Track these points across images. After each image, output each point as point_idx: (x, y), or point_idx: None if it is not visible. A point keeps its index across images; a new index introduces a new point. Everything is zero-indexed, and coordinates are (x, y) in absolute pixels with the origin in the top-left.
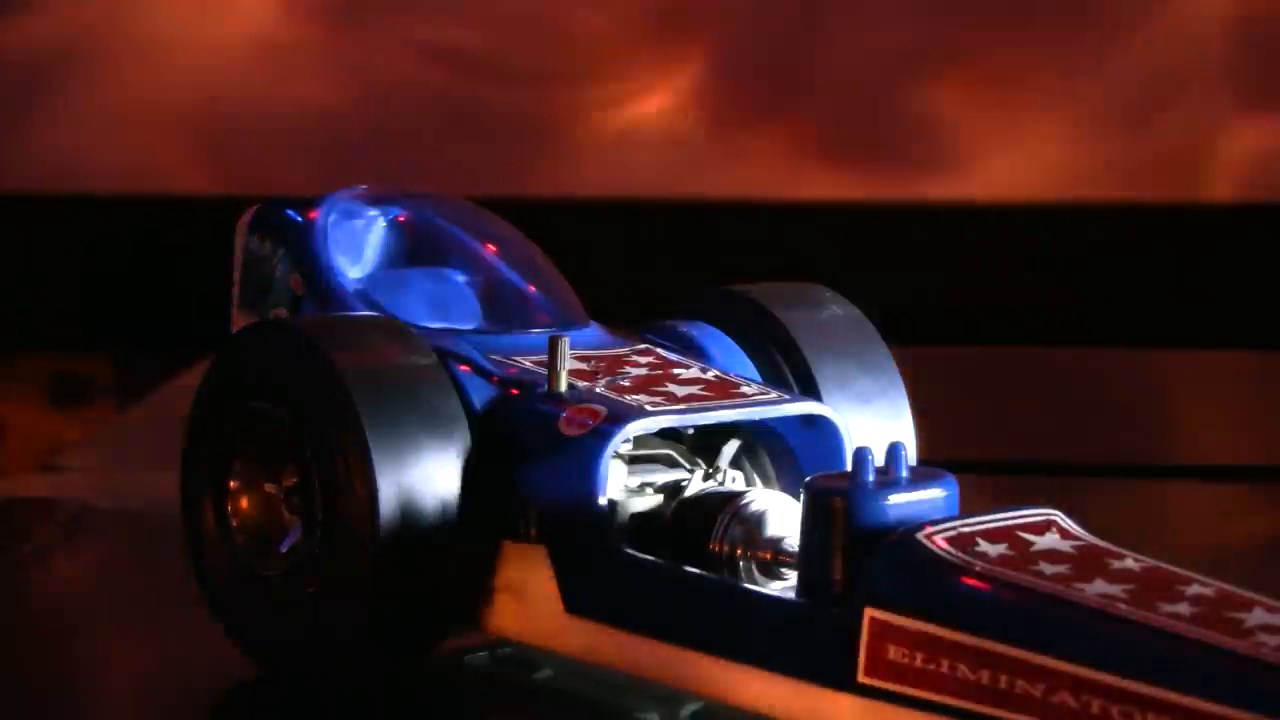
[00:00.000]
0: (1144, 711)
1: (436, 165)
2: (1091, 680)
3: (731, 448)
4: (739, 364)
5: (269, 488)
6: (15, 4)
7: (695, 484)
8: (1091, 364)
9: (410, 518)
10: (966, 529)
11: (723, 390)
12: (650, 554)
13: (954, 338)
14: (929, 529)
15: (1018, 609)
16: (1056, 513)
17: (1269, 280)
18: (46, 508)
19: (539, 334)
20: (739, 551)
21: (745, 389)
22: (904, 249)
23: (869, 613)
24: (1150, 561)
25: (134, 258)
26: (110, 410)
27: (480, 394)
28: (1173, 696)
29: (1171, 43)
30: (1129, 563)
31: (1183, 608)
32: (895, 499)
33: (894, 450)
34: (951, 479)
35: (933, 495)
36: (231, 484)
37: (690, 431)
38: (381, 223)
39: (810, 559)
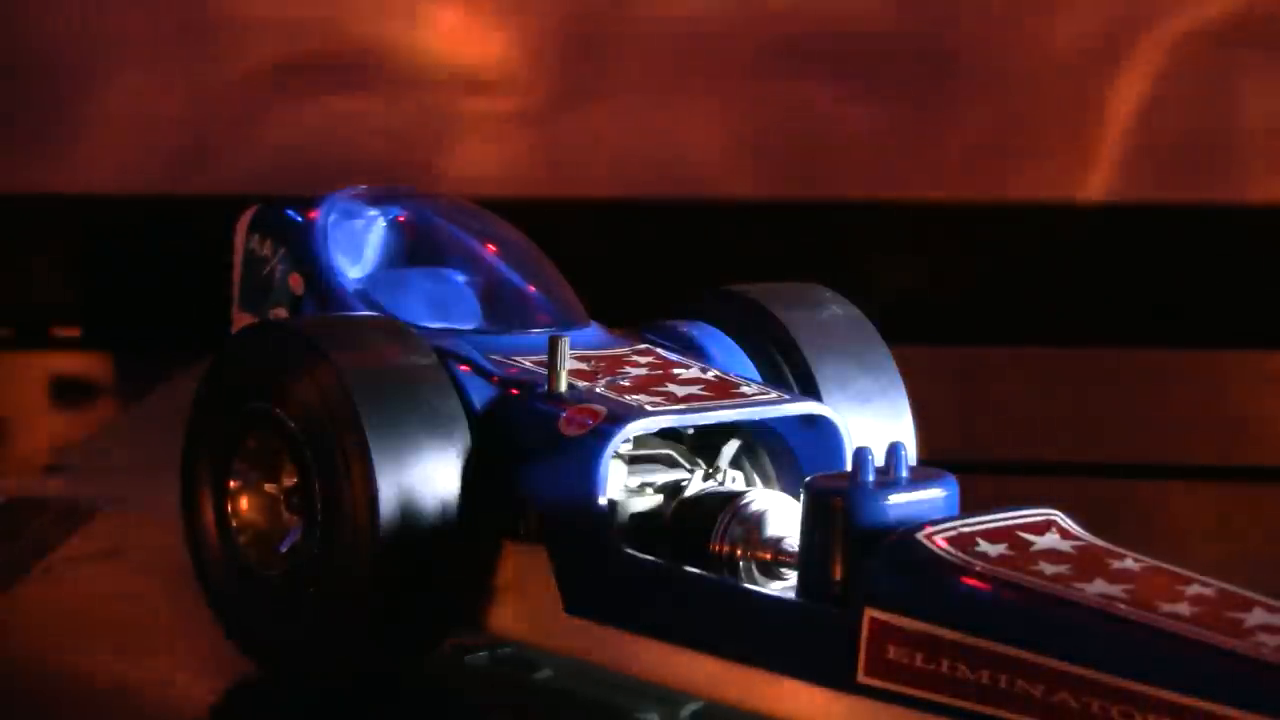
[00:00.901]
0: (1144, 711)
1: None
2: (1091, 680)
3: (731, 448)
4: (739, 364)
5: (269, 488)
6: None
7: (695, 484)
8: (1091, 364)
9: (410, 518)
10: (966, 529)
11: (723, 390)
12: (650, 554)
13: (954, 338)
14: (929, 529)
15: (1018, 609)
16: (1056, 513)
17: (1269, 280)
18: (46, 508)
19: (539, 334)
20: (739, 551)
21: (745, 389)
22: (904, 249)
23: (869, 613)
24: (1150, 561)
25: (134, 258)
26: (110, 410)
27: (480, 394)
28: (1173, 696)
29: None
30: (1129, 563)
31: (1183, 608)
32: (895, 499)
33: (894, 450)
34: (951, 479)
35: (933, 495)
36: (231, 484)
37: (690, 431)
38: (381, 223)
39: (810, 559)
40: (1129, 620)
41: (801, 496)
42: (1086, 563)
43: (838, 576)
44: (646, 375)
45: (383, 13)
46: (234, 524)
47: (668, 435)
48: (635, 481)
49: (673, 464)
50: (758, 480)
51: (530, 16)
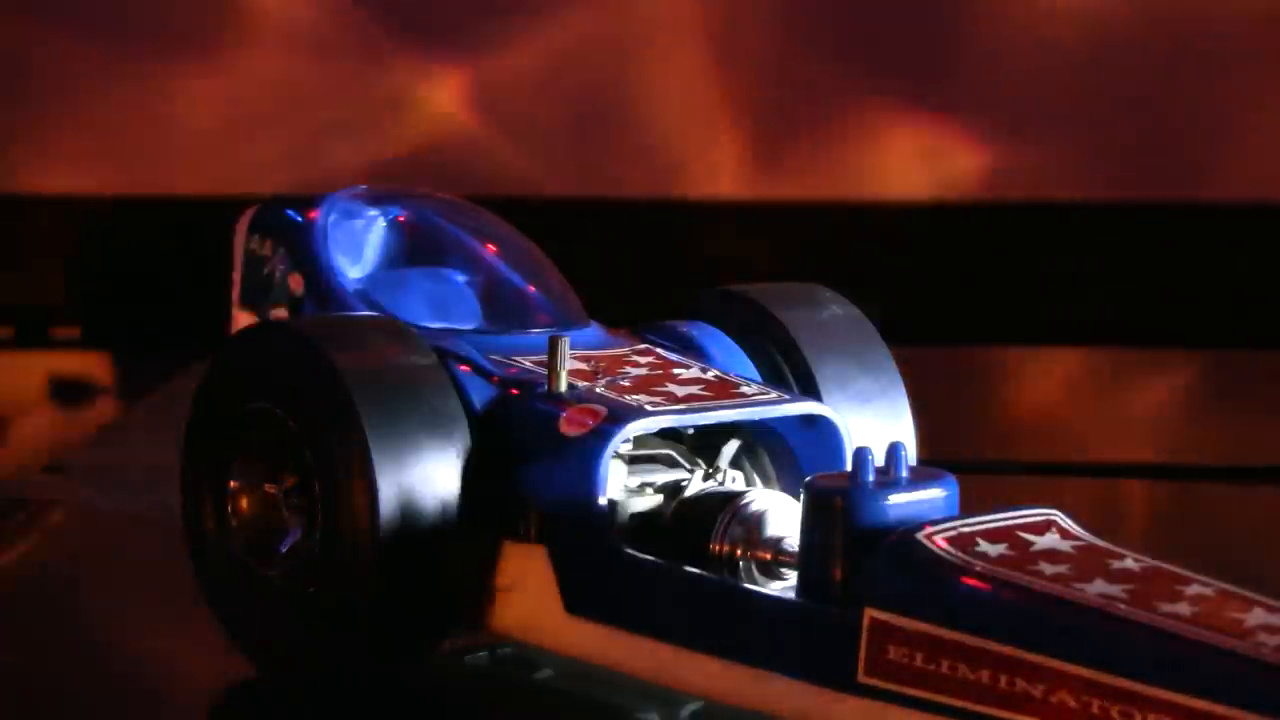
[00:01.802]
0: (1144, 711)
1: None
2: (1091, 680)
3: (731, 448)
4: (739, 364)
5: (269, 488)
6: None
7: (695, 484)
8: (1091, 364)
9: (410, 518)
10: (966, 529)
11: (723, 390)
12: (650, 554)
13: (954, 338)
14: (929, 529)
15: (1018, 609)
16: (1056, 513)
17: (1268, 280)
18: (46, 508)
19: (539, 334)
20: (739, 551)
21: (745, 389)
22: (904, 249)
23: (869, 613)
24: (1150, 561)
25: (134, 258)
26: (110, 410)
27: (480, 394)
28: (1173, 696)
29: None
30: (1129, 563)
31: (1183, 608)
32: (895, 499)
33: (894, 450)
34: (951, 479)
35: (933, 495)
36: (231, 484)
37: (690, 431)
38: (381, 223)
39: (810, 559)
40: (1129, 620)
41: (801, 496)
42: (1086, 563)
43: (838, 576)
44: (646, 375)
45: None
46: (234, 524)
47: (668, 435)
48: (635, 481)
49: (673, 464)
50: (758, 480)
51: None
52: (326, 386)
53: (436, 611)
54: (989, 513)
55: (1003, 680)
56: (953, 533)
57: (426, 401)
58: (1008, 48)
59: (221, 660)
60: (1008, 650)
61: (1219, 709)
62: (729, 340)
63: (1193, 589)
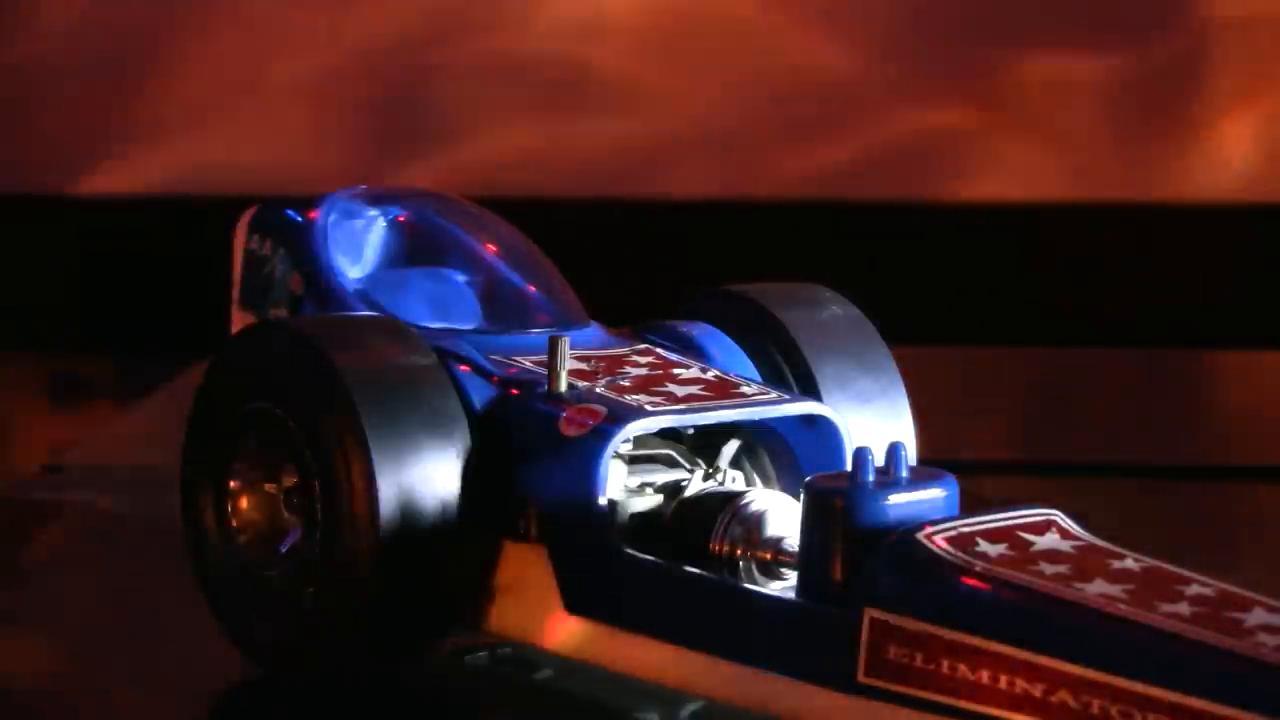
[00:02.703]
0: (1144, 711)
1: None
2: (1091, 680)
3: (731, 448)
4: (739, 364)
5: (269, 488)
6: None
7: (695, 484)
8: (1092, 364)
9: (410, 518)
10: (966, 529)
11: (723, 390)
12: (650, 554)
13: (954, 338)
14: (929, 529)
15: (1018, 609)
16: (1056, 513)
17: (1268, 280)
18: (46, 508)
19: (539, 334)
20: (739, 551)
21: (745, 389)
22: (904, 249)
23: (869, 613)
24: (1150, 561)
25: (134, 258)
26: (110, 410)
27: (480, 394)
28: (1173, 696)
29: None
30: (1129, 563)
31: (1183, 608)
32: (895, 499)
33: (894, 450)
34: (951, 479)
35: (933, 495)
36: (231, 484)
37: (690, 431)
38: (381, 223)
39: (810, 559)
40: (1129, 620)
41: (801, 496)
42: (1086, 563)
43: (838, 576)
44: (646, 375)
45: None
46: (234, 524)
47: (668, 435)
48: (635, 481)
49: (673, 464)
50: (758, 480)
51: None
52: (326, 386)
53: (436, 611)
54: (989, 513)
55: (1003, 680)
56: (953, 533)
57: (426, 401)
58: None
59: (221, 660)
60: (1008, 650)
61: (1219, 709)
62: (729, 340)
63: (1193, 589)
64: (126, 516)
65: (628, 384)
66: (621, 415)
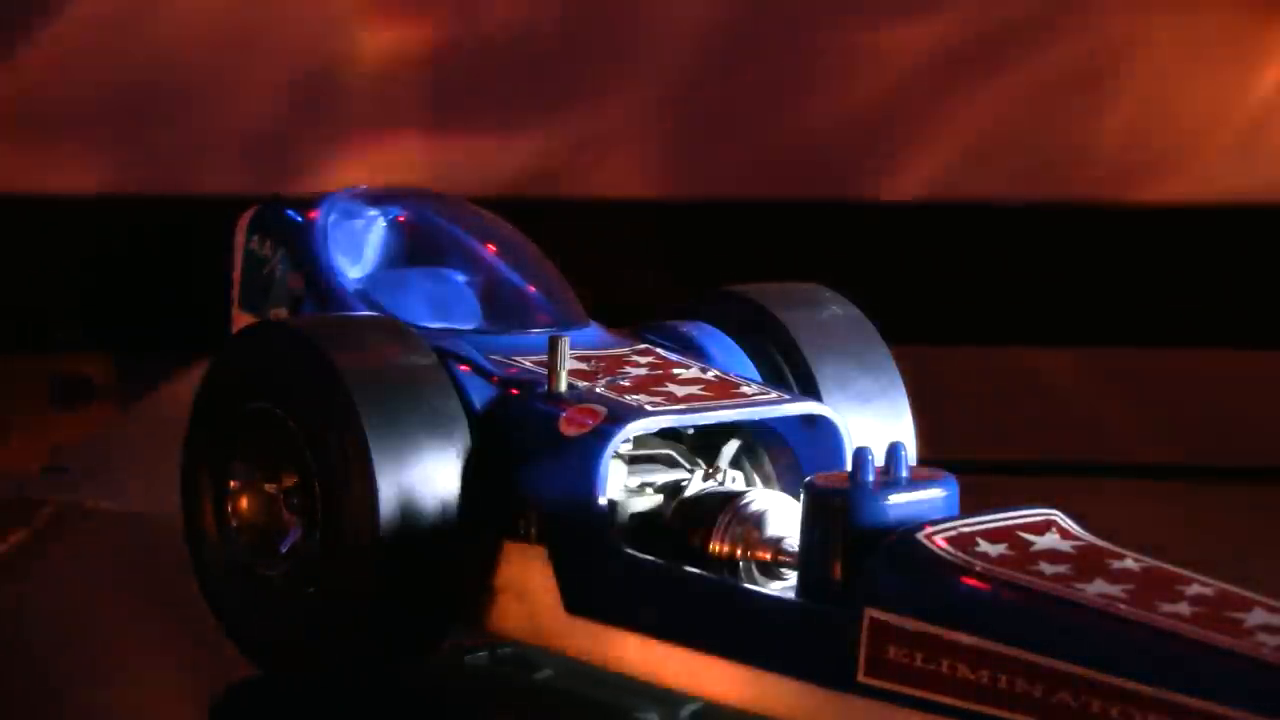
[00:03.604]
0: (1144, 711)
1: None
2: (1091, 680)
3: (731, 448)
4: (739, 364)
5: (269, 488)
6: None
7: (695, 484)
8: (1090, 364)
9: (410, 518)
10: (966, 529)
11: (723, 390)
12: (650, 554)
13: (954, 338)
14: (929, 529)
15: (1018, 609)
16: (1056, 513)
17: (1267, 280)
18: (46, 508)
19: (539, 334)
20: (739, 551)
21: (745, 389)
22: (904, 249)
23: (869, 613)
24: (1150, 561)
25: (134, 258)
26: (110, 410)
27: (480, 394)
28: (1173, 696)
29: None
30: (1129, 563)
31: (1183, 608)
32: (895, 499)
33: (894, 450)
34: (951, 479)
35: (933, 495)
36: (231, 484)
37: (690, 431)
38: (381, 223)
39: (810, 559)
40: (1129, 620)
41: (801, 496)
42: (1086, 563)
43: (838, 576)
44: (646, 375)
45: None
46: (234, 524)
47: (668, 435)
48: (635, 481)
49: (673, 464)
50: (758, 480)
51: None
52: (326, 386)
53: (436, 611)
54: (989, 513)
55: (1003, 680)
56: (953, 533)
57: (426, 401)
58: None
59: (221, 660)
60: (1008, 650)
61: (1219, 709)
62: (729, 340)
63: (1193, 589)
64: (126, 516)
65: (628, 384)
66: (621, 415)
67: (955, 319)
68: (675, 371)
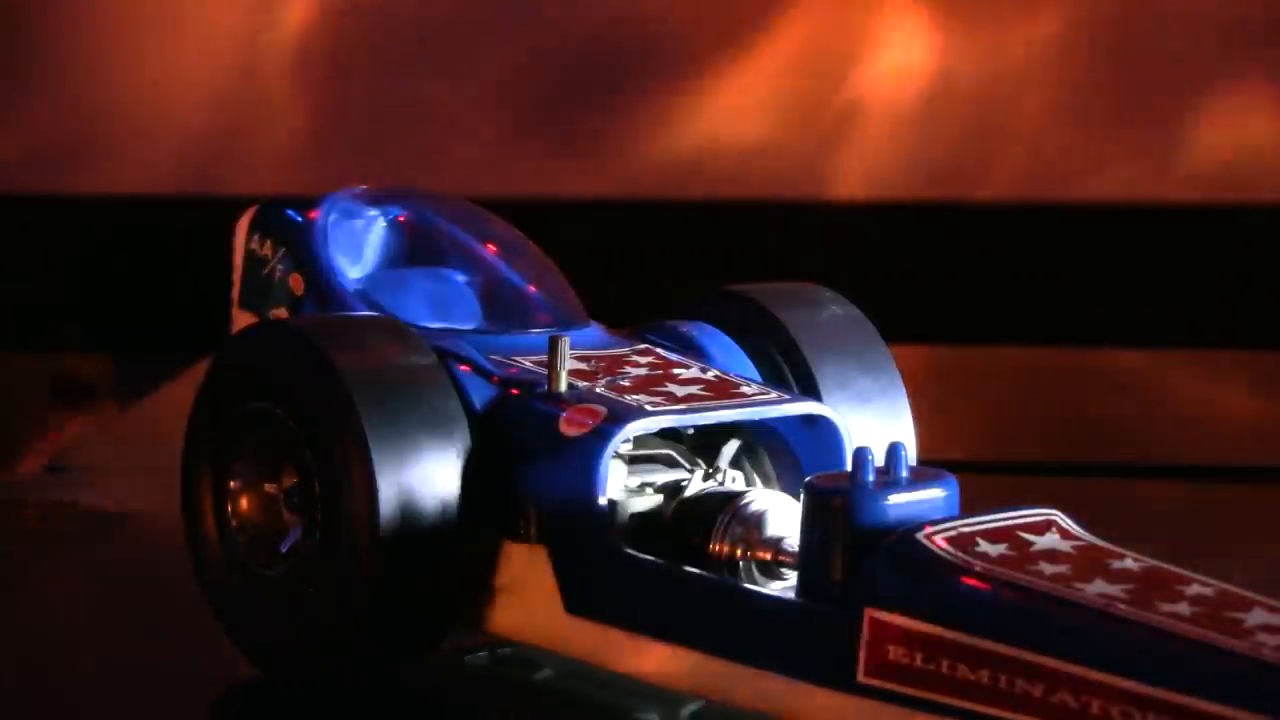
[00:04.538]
0: (1144, 711)
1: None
2: (1091, 680)
3: (731, 448)
4: (739, 364)
5: (269, 488)
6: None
7: (695, 484)
8: (1091, 364)
9: (410, 518)
10: (966, 529)
11: (723, 390)
12: (650, 554)
13: (954, 338)
14: (929, 529)
15: (1018, 609)
16: (1056, 513)
17: (1267, 280)
18: (46, 508)
19: (539, 334)
20: (739, 551)
21: (745, 389)
22: (904, 249)
23: (869, 613)
24: (1150, 561)
25: (134, 258)
26: (110, 410)
27: (480, 394)
28: (1173, 696)
29: None
30: (1129, 563)
31: (1183, 608)
32: (895, 499)
33: (894, 450)
34: (951, 479)
35: (933, 495)
36: (231, 484)
37: (690, 431)
38: (381, 223)
39: (810, 559)
40: (1129, 620)
41: (801, 496)
42: (1086, 563)
43: (838, 576)
44: (646, 375)
45: None
46: (234, 524)
47: (668, 435)
48: (635, 481)
49: (673, 464)
50: (758, 480)
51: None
52: (326, 386)
53: (436, 611)
54: (989, 513)
55: (1003, 680)
56: (953, 533)
57: (426, 401)
58: None
59: (221, 660)
60: (1008, 650)
61: (1219, 709)
62: (729, 340)
63: (1193, 589)
64: (126, 516)
65: (628, 384)
66: (621, 415)
67: (955, 319)
68: (675, 371)
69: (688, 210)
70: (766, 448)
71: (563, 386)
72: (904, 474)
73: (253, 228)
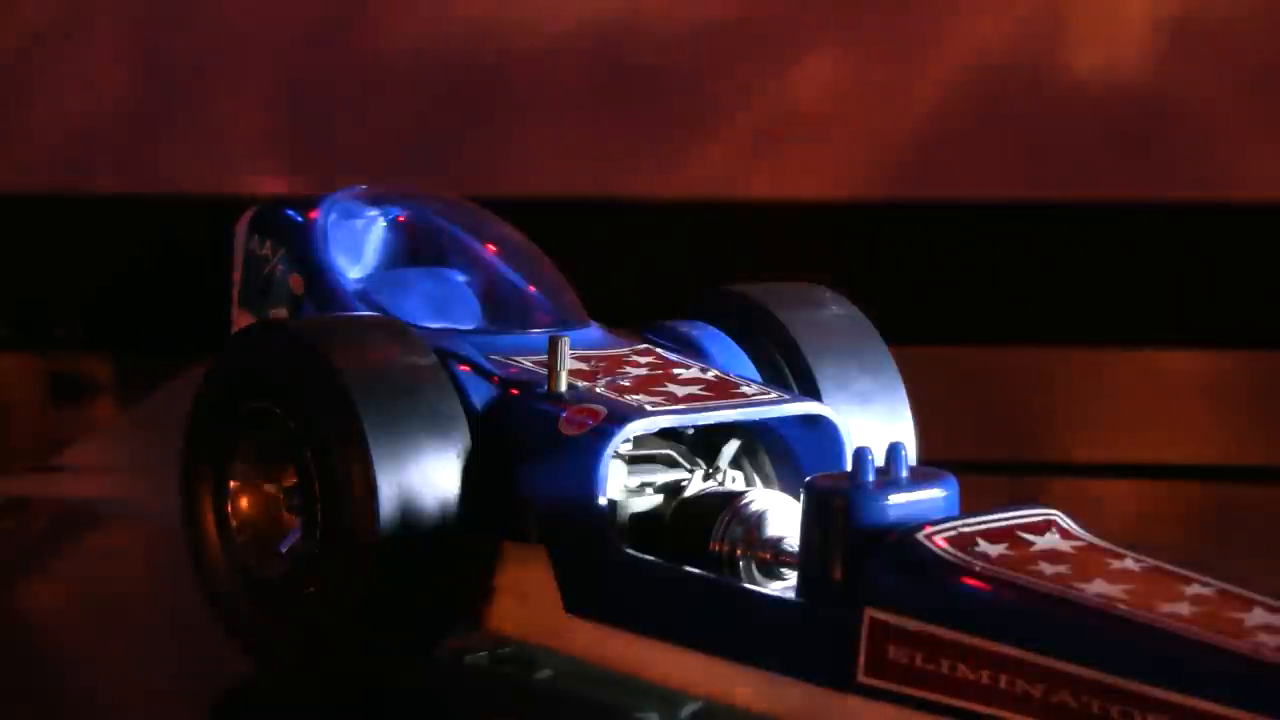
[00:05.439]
0: (1144, 711)
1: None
2: (1091, 680)
3: (731, 448)
4: (739, 364)
5: (269, 488)
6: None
7: (695, 484)
8: (1091, 364)
9: (410, 518)
10: (966, 529)
11: (723, 390)
12: (650, 554)
13: (954, 338)
14: (929, 529)
15: (1018, 609)
16: (1056, 513)
17: (1267, 280)
18: (46, 508)
19: (539, 334)
20: (739, 551)
21: (745, 389)
22: (904, 249)
23: (869, 613)
24: (1150, 561)
25: (134, 258)
26: (110, 410)
27: (480, 394)
28: (1173, 696)
29: None
30: (1129, 563)
31: (1183, 608)
32: (895, 499)
33: (894, 450)
34: (951, 479)
35: (933, 495)
36: (231, 484)
37: (690, 431)
38: (381, 223)
39: (810, 559)
40: (1129, 620)
41: (801, 496)
42: (1086, 563)
43: (838, 576)
44: (646, 375)
45: None
46: (234, 524)
47: (668, 435)
48: (635, 481)
49: (673, 464)
50: (758, 480)
51: None
52: (326, 386)
53: (436, 611)
54: (989, 513)
55: (1003, 680)
56: (953, 533)
57: (426, 401)
58: None
59: (221, 660)
60: (1008, 650)
61: (1219, 709)
62: (729, 340)
63: (1193, 589)
64: (126, 516)
65: (628, 384)
66: (622, 415)
67: (955, 319)
68: (675, 371)
69: (688, 210)
70: (766, 448)
71: (563, 386)
72: (904, 474)
73: (253, 228)
